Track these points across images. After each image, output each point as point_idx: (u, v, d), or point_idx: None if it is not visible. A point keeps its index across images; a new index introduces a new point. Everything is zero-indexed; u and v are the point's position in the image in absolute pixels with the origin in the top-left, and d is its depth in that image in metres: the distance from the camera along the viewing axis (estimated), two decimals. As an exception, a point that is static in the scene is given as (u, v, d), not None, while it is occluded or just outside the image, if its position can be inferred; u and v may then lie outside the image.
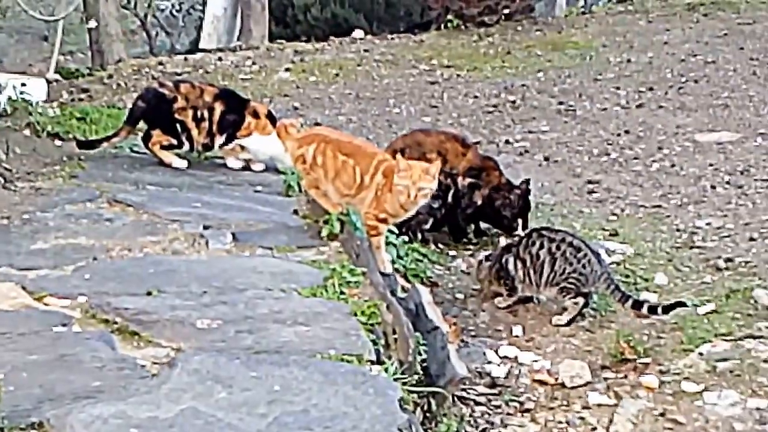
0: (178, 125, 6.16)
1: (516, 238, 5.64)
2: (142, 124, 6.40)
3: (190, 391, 3.25)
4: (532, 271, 5.34)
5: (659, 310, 5.16)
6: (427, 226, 6.21)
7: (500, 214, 6.39)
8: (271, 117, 6.34)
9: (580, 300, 5.25)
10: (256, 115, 6.29)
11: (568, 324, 5.26)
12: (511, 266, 5.39)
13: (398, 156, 5.28)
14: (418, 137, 6.71)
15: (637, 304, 5.19)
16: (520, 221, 6.42)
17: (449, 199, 6.20)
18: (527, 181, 6.55)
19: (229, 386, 3.29)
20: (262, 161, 6.39)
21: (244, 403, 3.19)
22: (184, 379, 3.33)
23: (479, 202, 6.23)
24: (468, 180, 6.28)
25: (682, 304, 5.19)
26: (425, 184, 4.93)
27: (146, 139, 6.24)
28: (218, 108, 6.21)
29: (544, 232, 5.44)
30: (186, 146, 6.21)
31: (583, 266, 5.23)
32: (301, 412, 3.16)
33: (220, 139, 6.23)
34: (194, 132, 6.18)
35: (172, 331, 3.72)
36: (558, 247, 5.30)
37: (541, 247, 5.34)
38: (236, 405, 3.18)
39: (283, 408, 3.17)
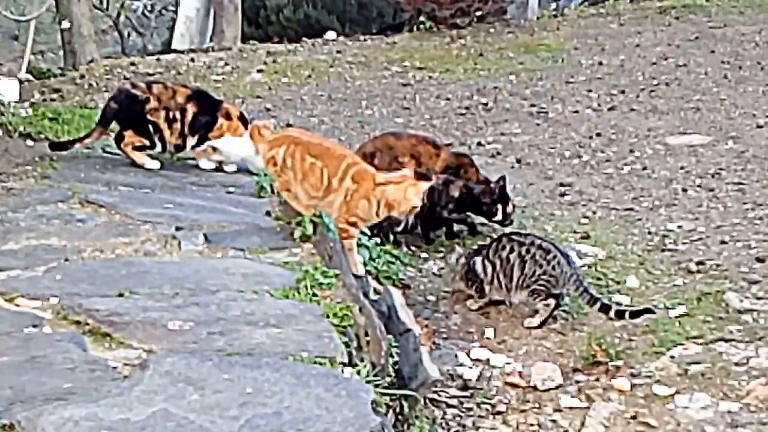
0: (150, 126, 6.14)
1: (488, 241, 5.66)
2: (115, 125, 6.37)
3: (161, 393, 3.23)
4: (501, 275, 5.36)
5: (626, 314, 5.18)
6: (399, 229, 6.21)
7: (480, 201, 6.40)
8: (243, 119, 6.33)
9: (552, 302, 5.27)
10: (228, 116, 6.28)
11: (540, 326, 5.27)
12: (479, 269, 5.40)
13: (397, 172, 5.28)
14: (389, 141, 6.72)
15: (605, 307, 5.21)
16: (500, 207, 6.43)
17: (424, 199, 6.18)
18: (503, 177, 6.59)
19: (201, 388, 3.27)
20: (233, 163, 6.37)
21: (216, 405, 3.18)
22: (155, 380, 3.31)
23: (456, 195, 6.23)
24: (441, 176, 6.27)
25: (650, 311, 5.21)
26: (417, 203, 4.99)
27: (119, 140, 6.21)
28: (190, 109, 6.19)
29: (513, 237, 5.46)
30: (158, 147, 6.18)
31: (553, 268, 5.24)
32: (273, 414, 3.15)
33: (192, 141, 6.21)
34: (166, 133, 6.16)
35: (143, 333, 3.69)
36: (528, 251, 5.31)
37: (511, 251, 5.35)
38: (208, 407, 3.16)
39: (255, 410, 3.16)
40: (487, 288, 5.43)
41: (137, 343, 3.62)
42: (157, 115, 6.14)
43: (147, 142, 6.14)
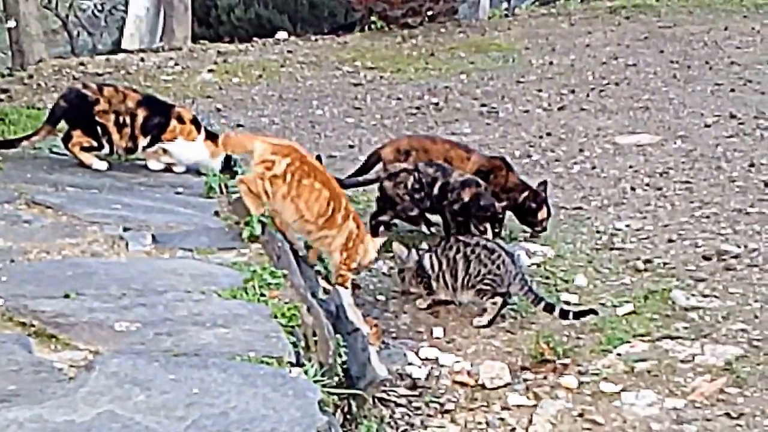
0: (99, 128, 6.08)
1: (437, 241, 5.67)
2: (63, 125, 6.31)
3: (107, 395, 3.21)
4: (448, 275, 5.39)
5: (570, 315, 5.22)
6: (414, 213, 6.28)
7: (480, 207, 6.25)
8: (196, 122, 6.29)
9: (498, 300, 5.29)
10: (181, 120, 6.24)
11: (489, 325, 5.30)
12: (427, 264, 5.42)
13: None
14: (425, 143, 6.73)
15: (549, 307, 5.24)
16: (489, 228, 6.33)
17: (435, 191, 6.19)
18: (544, 183, 6.64)
19: (147, 389, 3.26)
20: (185, 166, 6.32)
21: (163, 405, 3.17)
22: (101, 382, 3.29)
23: (465, 199, 6.12)
24: (463, 176, 6.24)
25: (594, 312, 5.26)
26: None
27: (66, 139, 6.15)
28: (141, 114, 6.14)
29: (460, 237, 5.49)
30: (106, 149, 6.13)
31: (498, 267, 5.27)
32: (220, 414, 3.14)
33: (143, 141, 6.16)
34: (115, 136, 6.10)
35: (90, 334, 3.67)
36: (473, 251, 5.34)
37: (457, 251, 5.38)
38: (154, 408, 3.15)
39: (201, 410, 3.15)
40: (434, 284, 5.45)
41: (83, 344, 3.60)
42: (106, 117, 6.09)
43: (95, 143, 6.09)
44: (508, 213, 6.47)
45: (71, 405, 3.13)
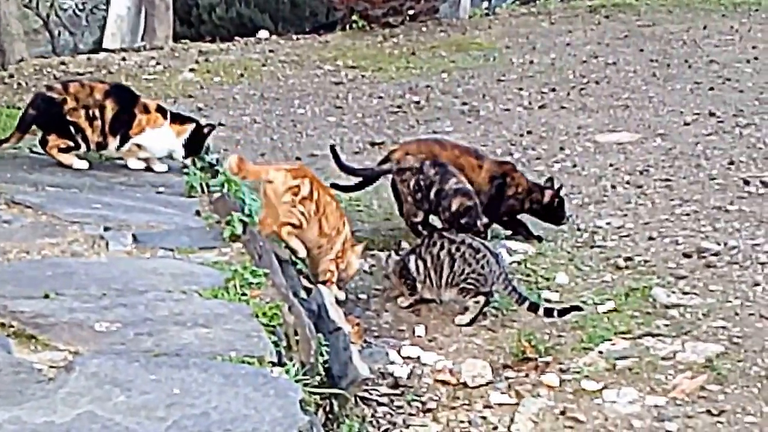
0: (72, 127, 6.04)
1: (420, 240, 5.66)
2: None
3: (87, 395, 3.20)
4: (432, 272, 5.39)
5: (555, 313, 5.23)
6: (417, 219, 6.27)
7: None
8: (161, 109, 6.25)
9: (481, 299, 5.30)
10: (146, 109, 6.20)
11: (470, 323, 5.30)
12: (412, 266, 5.42)
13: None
14: (434, 148, 6.60)
15: (534, 306, 5.25)
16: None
17: (432, 194, 6.13)
18: (551, 179, 6.68)
19: (127, 390, 3.25)
20: (159, 157, 6.27)
21: (143, 406, 3.16)
22: (81, 382, 3.28)
23: (453, 209, 5.97)
24: (458, 184, 6.09)
25: (578, 309, 5.27)
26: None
27: (43, 144, 6.12)
28: (109, 105, 6.09)
29: (445, 234, 5.48)
30: (83, 147, 6.10)
31: (482, 267, 5.27)
32: (201, 415, 3.13)
33: (114, 142, 6.12)
34: (88, 131, 6.07)
35: (69, 335, 3.65)
36: (458, 249, 5.34)
37: (441, 248, 5.38)
38: (135, 409, 3.14)
39: (182, 411, 3.14)
40: (419, 286, 5.45)
41: (63, 344, 3.58)
42: (76, 114, 6.05)
43: (71, 143, 6.05)
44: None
45: (50, 406, 3.11)
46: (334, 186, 6.48)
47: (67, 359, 3.47)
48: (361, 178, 6.76)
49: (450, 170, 6.12)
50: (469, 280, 5.27)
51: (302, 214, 5.22)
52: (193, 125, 6.25)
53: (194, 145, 6.25)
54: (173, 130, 6.18)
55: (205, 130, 6.26)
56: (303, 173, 5.32)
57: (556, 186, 6.57)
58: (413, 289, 5.46)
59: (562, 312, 5.23)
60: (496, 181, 6.49)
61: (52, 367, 3.41)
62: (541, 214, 6.58)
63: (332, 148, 6.78)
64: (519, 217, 6.63)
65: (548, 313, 5.22)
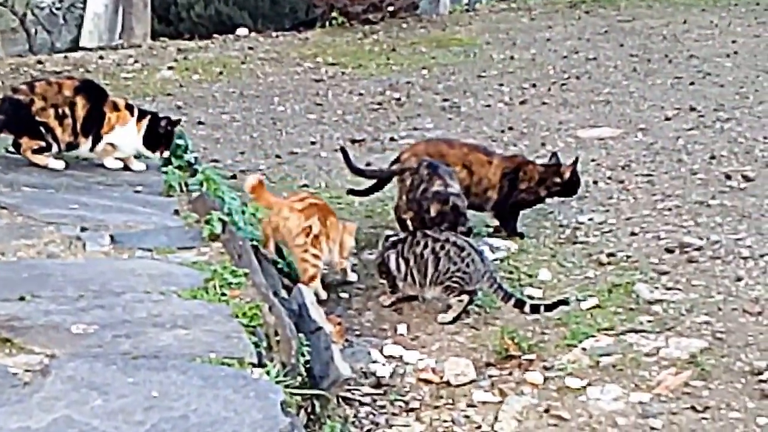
0: (42, 127, 5.94)
1: (402, 236, 5.60)
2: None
3: (63, 399, 3.15)
4: (415, 271, 5.34)
5: (541, 308, 5.19)
6: (406, 216, 6.16)
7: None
8: (129, 107, 6.17)
9: (465, 298, 5.26)
10: (116, 107, 6.12)
11: (453, 322, 5.26)
12: (393, 264, 5.38)
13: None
14: (442, 148, 6.55)
15: (520, 303, 5.21)
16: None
17: (418, 194, 5.94)
18: (555, 154, 6.69)
19: (105, 393, 3.20)
20: (130, 155, 6.18)
21: (121, 410, 3.11)
22: (57, 386, 3.23)
23: (432, 214, 5.73)
24: (441, 188, 5.84)
25: (564, 303, 5.24)
26: None
27: (16, 147, 6.04)
28: (80, 102, 6.01)
29: (428, 233, 5.43)
30: (55, 147, 6.01)
31: (467, 265, 5.23)
32: (180, 418, 3.09)
33: (86, 143, 6.04)
34: (58, 131, 5.98)
35: (46, 337, 3.60)
36: (442, 247, 5.30)
37: (425, 246, 5.33)
38: (112, 412, 3.09)
39: (161, 414, 3.10)
40: (400, 284, 5.41)
41: (39, 348, 3.53)
42: (45, 114, 5.96)
43: (44, 144, 5.97)
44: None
45: (26, 411, 3.07)
46: (351, 192, 6.60)
47: (44, 363, 3.42)
48: (375, 180, 6.67)
49: (440, 172, 5.95)
50: (453, 279, 5.23)
51: (315, 256, 5.41)
52: (148, 118, 6.14)
53: (153, 139, 6.14)
54: (137, 128, 6.10)
55: (162, 123, 6.14)
56: (313, 210, 5.48)
57: (558, 159, 6.60)
58: (394, 287, 5.42)
59: (549, 307, 5.20)
60: (508, 176, 6.45)
61: (27, 371, 3.37)
62: (562, 192, 6.58)
63: (343, 150, 6.72)
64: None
65: (534, 309, 5.19)
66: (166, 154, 6.18)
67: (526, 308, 5.20)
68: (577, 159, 6.61)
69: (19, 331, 3.64)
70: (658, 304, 5.32)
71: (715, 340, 4.91)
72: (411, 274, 5.37)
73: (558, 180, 6.48)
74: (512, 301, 5.21)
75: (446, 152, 6.48)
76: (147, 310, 3.88)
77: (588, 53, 11.96)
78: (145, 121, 6.11)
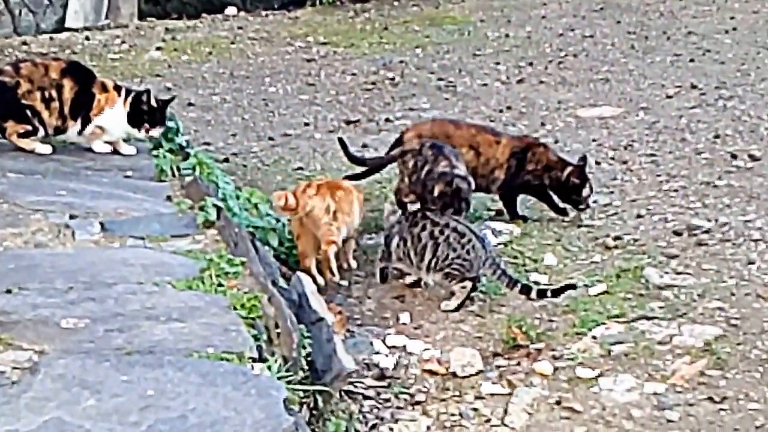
0: (28, 111, 5.72)
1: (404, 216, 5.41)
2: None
3: (54, 400, 2.96)
4: (412, 252, 5.19)
5: (548, 293, 5.04)
6: (408, 200, 5.94)
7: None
8: (117, 88, 5.95)
9: (468, 284, 5.08)
10: (104, 88, 5.90)
11: (457, 309, 5.09)
12: (394, 245, 5.25)
13: None
14: (448, 129, 6.39)
15: (526, 289, 5.05)
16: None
17: (422, 175, 5.81)
18: (584, 158, 6.40)
19: (97, 392, 3.02)
20: (119, 138, 5.97)
21: (115, 410, 2.93)
22: (47, 385, 3.04)
23: (435, 194, 5.60)
24: (446, 168, 5.73)
25: (572, 287, 5.08)
26: None
27: (1, 131, 5.82)
28: (67, 84, 5.79)
29: (428, 214, 5.25)
30: (41, 131, 5.80)
31: (467, 252, 5.07)
32: (178, 418, 2.91)
33: (75, 126, 5.82)
34: (45, 114, 5.77)
35: (34, 333, 3.41)
36: (441, 232, 5.13)
37: (423, 229, 5.17)
38: (106, 413, 2.91)
39: (157, 414, 2.92)
40: (398, 264, 5.29)
41: (27, 343, 3.34)
42: (32, 97, 5.74)
43: (30, 128, 5.76)
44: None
45: (14, 413, 2.88)
46: (347, 178, 6.31)
47: (32, 360, 3.24)
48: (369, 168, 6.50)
49: (446, 153, 5.82)
50: (453, 266, 5.06)
51: (338, 230, 5.41)
52: (132, 95, 5.91)
53: (136, 116, 5.87)
54: (124, 107, 5.89)
55: (144, 98, 5.87)
56: (325, 189, 5.49)
57: (584, 162, 6.35)
58: (388, 262, 5.36)
59: (556, 292, 5.04)
60: (517, 155, 6.27)
61: (15, 368, 3.18)
62: (559, 192, 6.32)
63: (341, 140, 6.56)
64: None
65: (541, 294, 5.03)
66: (156, 133, 5.93)
67: (533, 294, 5.04)
68: (581, 168, 6.28)
69: (6, 326, 3.45)
70: (669, 290, 5.16)
71: (729, 327, 4.75)
72: (408, 255, 5.22)
73: (559, 175, 6.25)
74: (518, 287, 5.05)
75: (452, 133, 6.32)
76: (140, 303, 3.69)
77: (584, 30, 11.79)
78: (129, 99, 5.88)
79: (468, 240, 5.09)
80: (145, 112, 5.87)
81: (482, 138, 6.33)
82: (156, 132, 5.91)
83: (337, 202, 5.45)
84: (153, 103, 5.88)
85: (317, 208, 5.39)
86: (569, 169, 6.23)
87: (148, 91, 5.93)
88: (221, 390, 3.08)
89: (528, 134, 6.94)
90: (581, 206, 6.25)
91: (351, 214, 5.55)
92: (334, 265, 5.39)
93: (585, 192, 6.21)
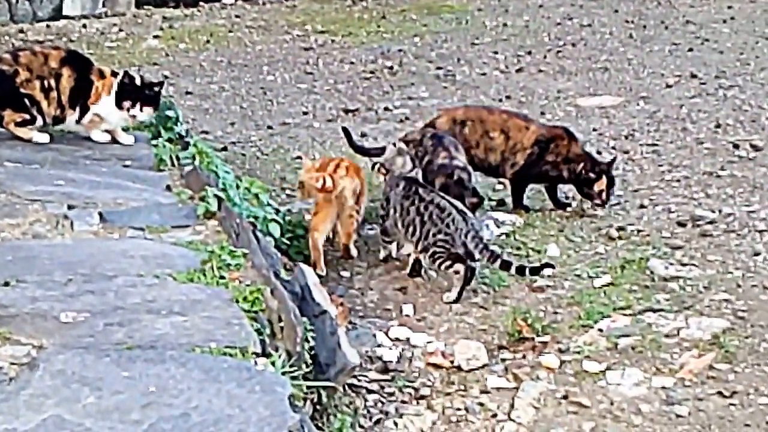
0: (26, 99, 5.63)
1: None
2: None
3: (53, 397, 2.89)
4: (400, 224, 5.24)
5: (527, 271, 5.05)
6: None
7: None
8: (115, 75, 5.86)
9: (460, 267, 5.03)
10: (102, 75, 5.81)
11: (458, 299, 5.03)
12: (390, 226, 5.34)
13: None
14: (482, 113, 6.43)
15: (505, 265, 5.04)
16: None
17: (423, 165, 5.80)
18: (613, 159, 6.33)
19: (98, 389, 2.94)
20: (117, 126, 5.88)
21: (116, 408, 2.86)
22: (46, 382, 2.97)
23: (437, 187, 5.58)
24: (446, 160, 5.74)
25: (550, 266, 5.11)
26: None
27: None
28: (66, 73, 5.70)
29: (419, 189, 5.26)
30: (39, 121, 5.71)
31: (447, 225, 5.07)
32: (181, 416, 2.84)
33: (73, 115, 5.73)
34: (44, 104, 5.68)
35: (33, 327, 3.34)
36: (426, 208, 5.15)
37: (413, 203, 5.20)
38: (106, 411, 2.84)
39: (159, 412, 2.85)
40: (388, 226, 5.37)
41: (26, 338, 3.28)
42: (30, 86, 5.65)
43: (28, 117, 5.67)
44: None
45: (12, 410, 2.81)
46: None
47: (31, 355, 3.17)
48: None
49: (445, 144, 5.82)
50: (437, 243, 5.07)
51: (358, 213, 5.57)
52: (117, 76, 5.81)
53: (120, 96, 5.74)
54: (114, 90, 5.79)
55: (126, 79, 5.75)
56: (353, 170, 5.58)
57: (615, 166, 6.30)
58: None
59: (534, 270, 5.05)
60: (540, 144, 6.22)
61: (13, 364, 3.11)
62: (575, 185, 6.27)
63: (345, 129, 6.55)
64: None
65: (520, 271, 5.02)
66: (143, 116, 5.81)
67: (512, 269, 5.03)
68: (594, 161, 6.22)
69: (4, 319, 3.38)
70: (674, 281, 5.10)
71: (737, 320, 4.69)
72: (396, 224, 5.28)
73: (574, 168, 6.17)
74: (498, 263, 5.03)
75: (486, 117, 6.36)
76: (141, 295, 3.62)
77: (582, 19, 11.73)
78: (116, 80, 5.78)
79: (448, 214, 5.09)
80: (129, 92, 5.76)
81: (513, 123, 6.33)
82: (142, 114, 5.78)
83: (360, 184, 5.57)
84: (137, 82, 5.79)
85: (347, 189, 5.44)
86: (583, 163, 6.16)
87: (125, 72, 5.85)
88: (225, 386, 3.01)
89: (560, 125, 6.80)
90: (595, 201, 6.17)
91: (364, 195, 5.66)
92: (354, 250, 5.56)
93: (597, 186, 6.12)
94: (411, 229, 5.17)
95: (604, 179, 6.12)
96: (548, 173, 6.26)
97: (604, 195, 6.14)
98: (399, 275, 5.34)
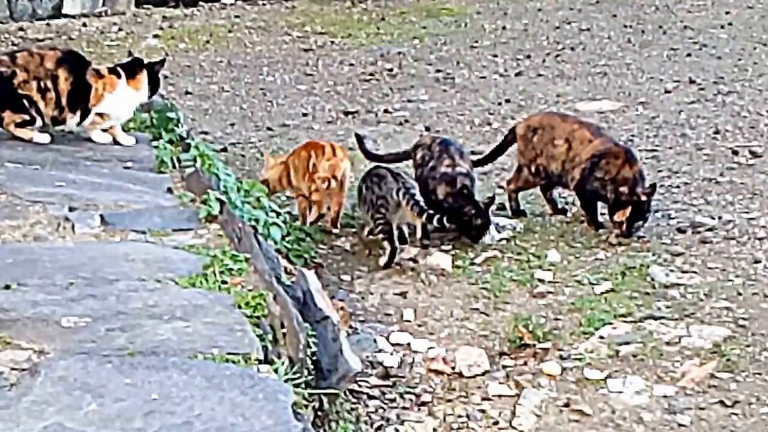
0: (25, 100, 5.62)
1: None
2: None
3: (55, 404, 2.87)
4: (361, 203, 5.61)
5: (435, 219, 5.38)
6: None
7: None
8: (113, 70, 5.85)
9: (387, 246, 5.41)
10: (99, 74, 5.79)
11: (388, 264, 5.38)
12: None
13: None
14: (554, 120, 6.27)
15: (430, 217, 5.35)
16: None
17: (426, 171, 5.86)
18: (653, 186, 5.93)
19: (100, 396, 2.93)
20: (125, 119, 5.87)
21: (118, 415, 2.84)
22: (48, 388, 2.95)
23: (439, 196, 5.65)
24: (451, 168, 5.73)
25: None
26: None
27: (-1, 120, 5.72)
28: (62, 75, 5.68)
29: (372, 170, 5.68)
30: (39, 121, 5.69)
31: (380, 188, 5.40)
32: (183, 424, 2.82)
33: (74, 118, 5.71)
34: (41, 105, 5.66)
35: (34, 331, 3.33)
36: (372, 181, 5.53)
37: (363, 181, 5.60)
38: (108, 418, 2.82)
39: (162, 421, 2.83)
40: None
41: (26, 343, 3.26)
42: (28, 87, 5.63)
43: (28, 117, 5.66)
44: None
45: (13, 418, 2.80)
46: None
47: (32, 360, 3.15)
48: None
49: (451, 151, 5.82)
50: (376, 207, 5.41)
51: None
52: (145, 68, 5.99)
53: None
54: (132, 87, 5.80)
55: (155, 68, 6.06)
56: (344, 152, 5.92)
57: (651, 189, 5.87)
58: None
59: (441, 221, 5.41)
60: (593, 159, 5.96)
61: (14, 369, 3.10)
62: (610, 203, 5.92)
63: (357, 135, 6.57)
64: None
65: (440, 221, 5.40)
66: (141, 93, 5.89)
67: (435, 221, 5.37)
68: (640, 192, 5.80)
69: (5, 323, 3.36)
70: (675, 289, 5.09)
71: (738, 328, 4.69)
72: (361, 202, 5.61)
73: (616, 189, 5.84)
74: (425, 216, 5.35)
75: (556, 125, 6.20)
76: (142, 300, 3.60)
77: (581, 24, 11.71)
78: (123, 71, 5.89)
79: (381, 177, 5.45)
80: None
81: (580, 133, 6.09)
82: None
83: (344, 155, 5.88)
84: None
85: (347, 170, 5.83)
86: (623, 188, 5.80)
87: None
88: (228, 394, 3.00)
89: (623, 143, 6.55)
90: (615, 231, 5.84)
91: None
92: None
93: (618, 216, 5.79)
94: (365, 207, 5.53)
95: (629, 209, 5.76)
96: (598, 192, 5.95)
97: (624, 226, 5.78)
98: (400, 280, 5.34)
